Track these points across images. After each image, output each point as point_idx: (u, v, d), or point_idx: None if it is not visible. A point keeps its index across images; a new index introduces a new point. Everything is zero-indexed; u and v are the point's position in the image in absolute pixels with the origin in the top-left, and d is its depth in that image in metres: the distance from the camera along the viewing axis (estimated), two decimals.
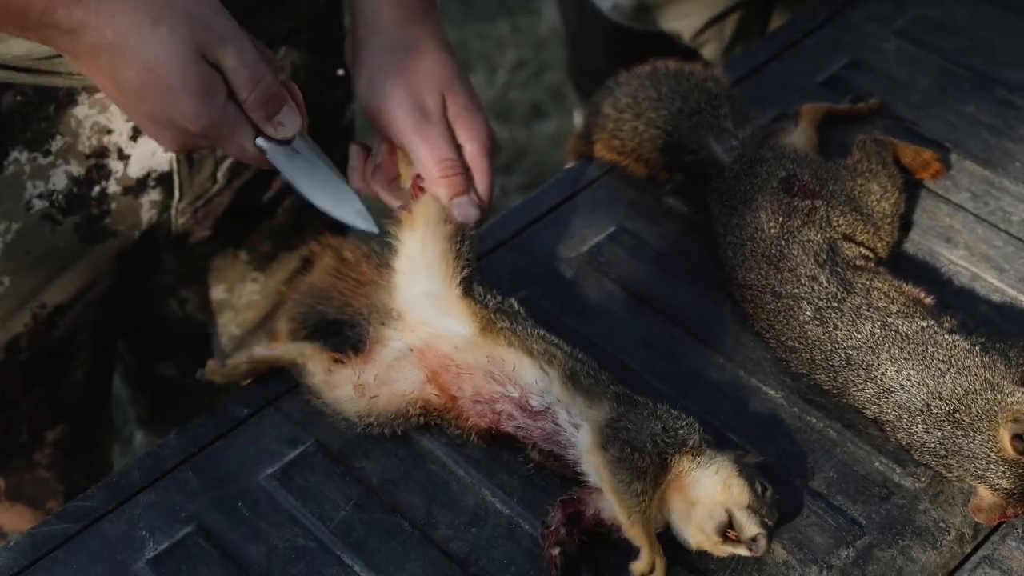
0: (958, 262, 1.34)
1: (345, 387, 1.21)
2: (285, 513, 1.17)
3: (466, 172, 1.23)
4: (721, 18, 1.80)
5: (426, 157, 1.21)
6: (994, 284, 1.32)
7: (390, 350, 1.21)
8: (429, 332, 1.20)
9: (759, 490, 1.08)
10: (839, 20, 1.61)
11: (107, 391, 1.64)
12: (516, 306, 1.22)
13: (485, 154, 1.24)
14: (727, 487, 1.08)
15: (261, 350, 1.26)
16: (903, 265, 1.34)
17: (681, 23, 1.79)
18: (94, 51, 1.09)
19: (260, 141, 1.13)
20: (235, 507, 1.17)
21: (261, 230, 1.57)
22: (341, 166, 1.62)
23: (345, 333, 1.27)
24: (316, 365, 1.23)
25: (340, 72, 1.58)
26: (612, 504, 1.08)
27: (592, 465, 1.10)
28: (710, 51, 1.81)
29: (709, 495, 1.08)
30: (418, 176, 1.23)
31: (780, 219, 1.27)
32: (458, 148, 1.24)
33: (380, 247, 1.25)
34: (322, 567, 1.13)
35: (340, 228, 1.33)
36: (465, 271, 1.21)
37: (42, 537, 1.16)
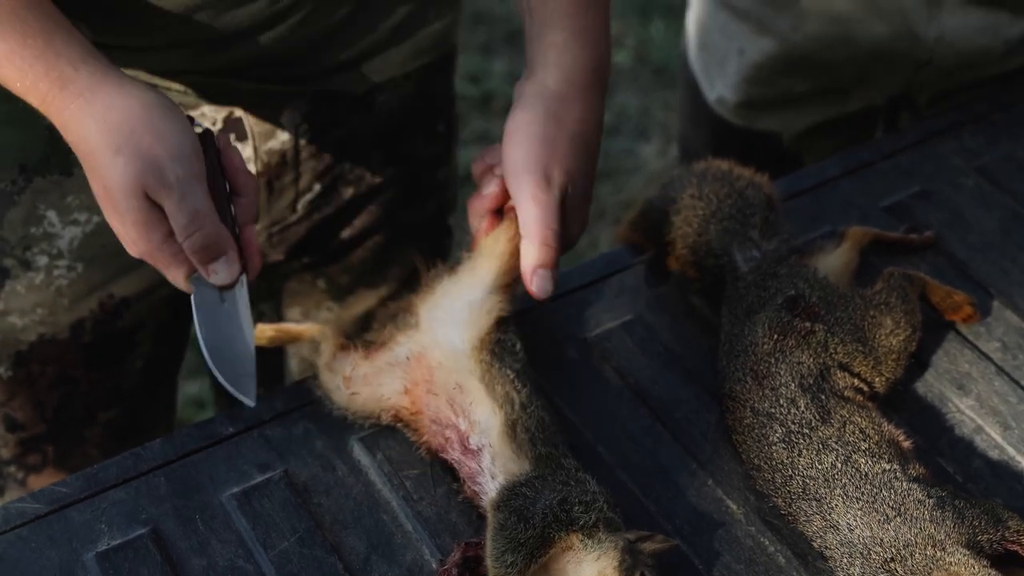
0: (965, 411, 1.31)
1: (339, 375, 1.28)
2: (235, 533, 1.22)
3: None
4: (825, 126, 1.78)
5: (535, 219, 1.24)
6: (995, 440, 1.28)
7: (391, 354, 1.27)
8: (432, 338, 1.25)
9: None
10: (924, 147, 1.58)
11: (168, 386, 1.72)
12: (517, 347, 1.27)
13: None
14: None
15: (289, 324, 1.35)
16: (907, 404, 1.31)
17: (782, 126, 1.78)
18: (74, 150, 1.20)
19: (194, 277, 1.19)
20: (192, 519, 1.23)
21: (341, 263, 1.63)
22: (434, 217, 1.68)
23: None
24: (327, 346, 1.30)
25: (440, 129, 1.63)
26: None
27: (487, 520, 1.14)
28: (812, 157, 1.80)
29: None
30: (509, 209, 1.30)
31: (775, 336, 1.26)
32: None
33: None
34: None
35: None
36: (506, 310, 1.28)
37: (14, 512, 1.23)
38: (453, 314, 1.26)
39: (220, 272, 1.19)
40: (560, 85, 1.28)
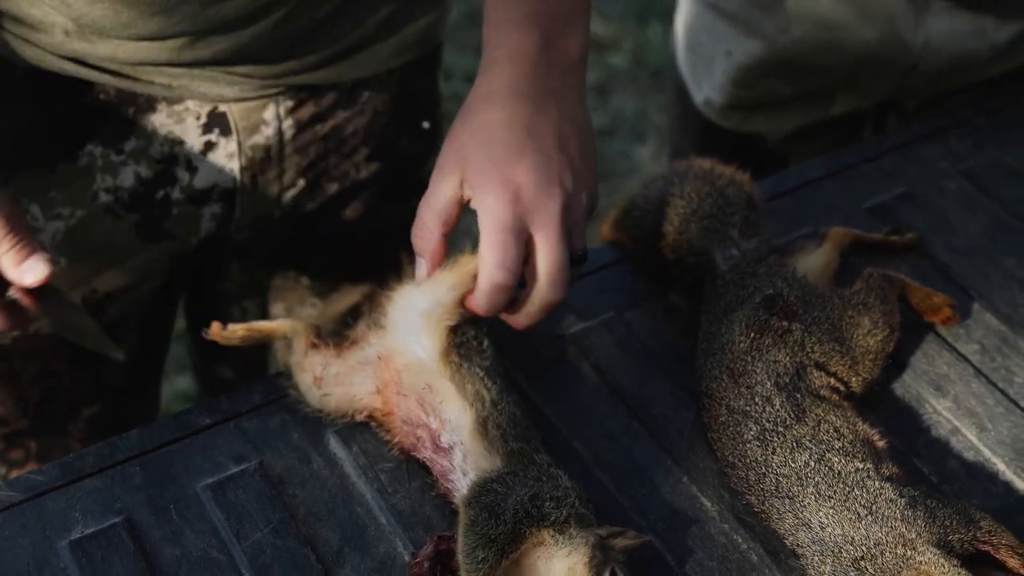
0: (942, 412, 1.31)
1: (310, 374, 1.28)
2: (209, 524, 1.22)
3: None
4: (811, 130, 1.79)
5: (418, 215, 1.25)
6: (971, 441, 1.28)
7: (362, 352, 1.27)
8: (395, 344, 1.25)
9: None
10: (909, 150, 1.59)
11: (152, 381, 1.72)
12: (485, 344, 1.26)
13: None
14: (571, 573, 1.09)
15: (260, 323, 1.34)
16: (884, 405, 1.31)
17: (768, 128, 1.79)
18: None
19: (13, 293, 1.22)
20: (167, 508, 1.23)
21: (325, 261, 1.63)
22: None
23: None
24: (299, 344, 1.30)
25: (426, 125, 1.63)
26: None
27: (459, 517, 1.14)
28: (798, 160, 1.80)
29: None
30: None
31: (752, 335, 1.26)
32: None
33: None
34: None
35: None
36: (455, 320, 1.26)
37: None
38: (409, 321, 1.26)
39: (35, 267, 1.20)
40: (476, 87, 1.27)
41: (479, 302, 1.23)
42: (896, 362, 1.34)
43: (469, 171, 1.22)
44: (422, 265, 1.25)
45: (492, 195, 1.20)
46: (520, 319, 1.25)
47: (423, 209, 1.25)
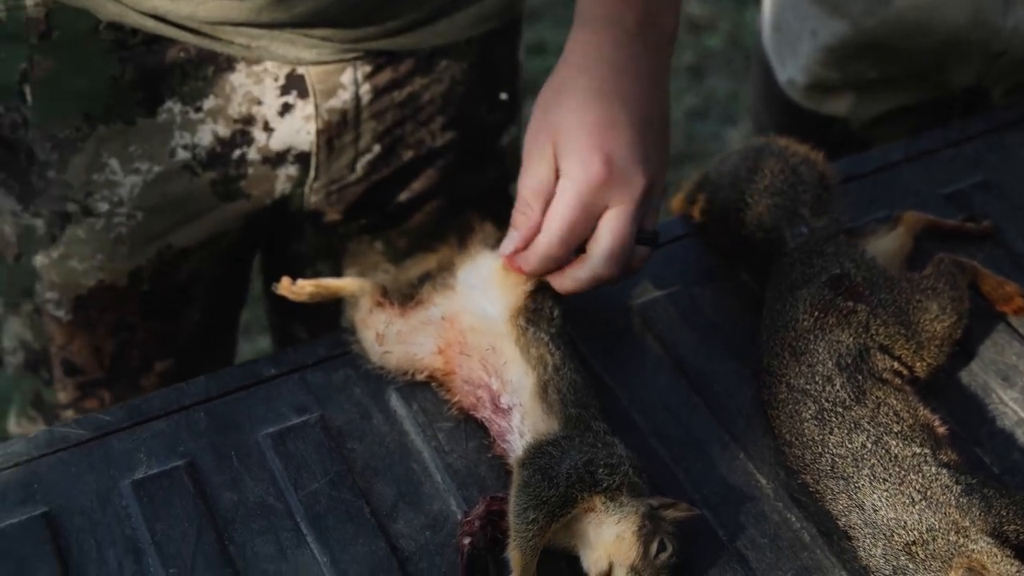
0: (1009, 403, 1.29)
1: (373, 331, 1.29)
2: (268, 472, 1.24)
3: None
4: (895, 114, 1.77)
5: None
6: None
7: (426, 312, 1.29)
8: (464, 304, 1.27)
9: (654, 551, 1.09)
10: (991, 137, 1.56)
11: (225, 340, 1.75)
12: (555, 313, 1.28)
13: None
14: (619, 540, 1.09)
15: (328, 279, 1.37)
16: (950, 392, 1.30)
17: (852, 110, 1.77)
18: None
19: None
20: (228, 455, 1.26)
21: (399, 227, 1.64)
22: (495, 185, 1.68)
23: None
24: (365, 302, 1.31)
25: (504, 96, 1.64)
26: None
27: (513, 477, 1.15)
28: (882, 144, 1.78)
29: (603, 543, 1.10)
30: None
31: (816, 313, 1.25)
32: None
33: None
34: (279, 529, 1.20)
35: None
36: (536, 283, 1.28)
37: (58, 436, 1.27)
38: (485, 283, 1.27)
39: None
40: (567, 54, 1.28)
41: (527, 260, 1.25)
42: (964, 350, 1.33)
43: (561, 137, 1.23)
44: (514, 238, 1.26)
45: (580, 165, 1.21)
46: (566, 283, 1.26)
47: (521, 187, 1.25)
